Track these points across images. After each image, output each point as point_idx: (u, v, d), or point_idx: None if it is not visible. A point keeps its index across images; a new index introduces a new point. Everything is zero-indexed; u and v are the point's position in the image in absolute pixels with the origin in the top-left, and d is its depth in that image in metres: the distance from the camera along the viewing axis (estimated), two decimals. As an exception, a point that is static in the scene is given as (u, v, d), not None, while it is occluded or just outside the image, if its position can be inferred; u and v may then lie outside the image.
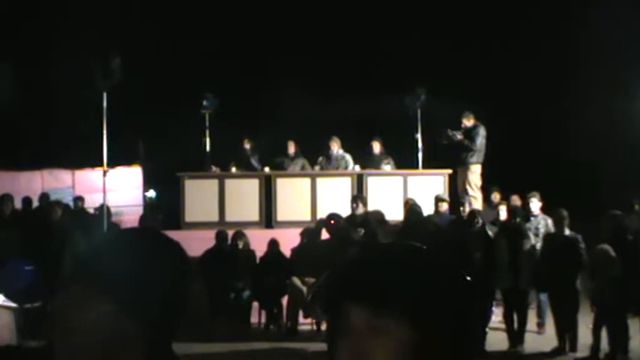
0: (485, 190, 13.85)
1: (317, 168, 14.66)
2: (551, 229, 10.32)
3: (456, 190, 13.82)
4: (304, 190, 13.93)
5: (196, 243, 10.54)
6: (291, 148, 14.71)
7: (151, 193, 20.59)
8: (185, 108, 15.89)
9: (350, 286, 1.17)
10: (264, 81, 17.90)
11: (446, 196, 12.58)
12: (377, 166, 14.42)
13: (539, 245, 10.10)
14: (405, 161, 14.75)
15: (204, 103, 14.88)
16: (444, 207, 12.00)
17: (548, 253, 9.66)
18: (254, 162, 14.69)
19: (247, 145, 14.79)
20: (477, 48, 17.66)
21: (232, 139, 15.14)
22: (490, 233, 10.31)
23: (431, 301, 1.15)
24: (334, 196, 13.62)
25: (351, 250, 9.21)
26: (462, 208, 11.44)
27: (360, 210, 11.36)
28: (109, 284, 1.36)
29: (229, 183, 14.09)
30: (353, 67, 18.13)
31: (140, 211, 17.33)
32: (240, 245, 11.38)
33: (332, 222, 10.68)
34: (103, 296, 1.36)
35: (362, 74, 18.06)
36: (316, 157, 14.79)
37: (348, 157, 14.58)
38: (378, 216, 11.02)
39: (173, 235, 1.47)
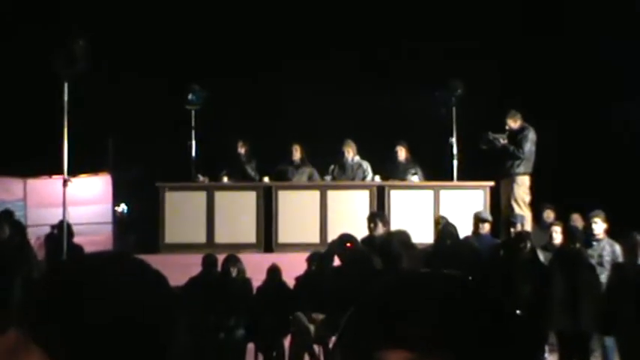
0: (535, 208, 13.78)
1: (328, 178, 14.59)
2: (619, 257, 10.30)
3: (499, 207, 13.77)
4: (312, 206, 13.92)
5: (178, 270, 10.39)
6: (297, 154, 14.64)
7: (123, 208, 20.59)
8: (165, 102, 15.79)
9: (387, 326, 1.20)
10: (263, 71, 17.72)
11: (487, 215, 12.53)
12: (402, 176, 14.37)
13: (603, 277, 10.01)
14: (436, 171, 14.72)
15: (190, 96, 14.78)
16: (486, 228, 11.95)
17: (616, 287, 9.52)
18: (250, 170, 14.59)
19: (242, 150, 14.71)
20: (527, 31, 17.57)
21: (224, 142, 15.07)
22: (542, 261, 10.31)
23: (477, 344, 1.19)
24: (349, 212, 13.59)
25: (370, 280, 9.01)
26: (512, 230, 11.42)
27: (381, 230, 11.37)
28: (50, 333, 1.27)
29: (220, 196, 14.09)
30: (372, 55, 18.02)
31: (109, 229, 17.34)
32: (234, 273, 11.34)
33: (347, 245, 10.66)
34: (45, 346, 1.27)
35: (383, 64, 17.91)
36: (327, 165, 14.72)
37: (366, 165, 14.52)
38: (403, 238, 10.91)
39: (149, 260, 1.44)
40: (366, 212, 12.87)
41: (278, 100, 17.38)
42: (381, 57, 18.00)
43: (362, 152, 14.68)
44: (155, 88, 16.46)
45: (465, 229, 11.90)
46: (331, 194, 14.06)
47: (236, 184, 14.46)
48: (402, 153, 14.55)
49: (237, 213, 13.92)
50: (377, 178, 14.38)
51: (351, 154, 14.50)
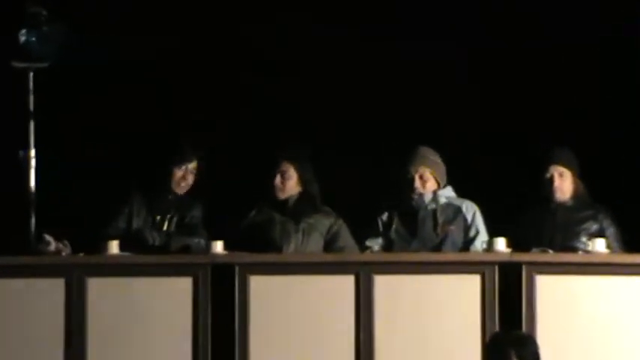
0: None
1: (375, 247, 14.05)
2: None
3: None
4: (337, 311, 13.27)
5: None
6: (289, 182, 14.43)
7: None
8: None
9: None
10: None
11: None
12: (563, 238, 13.86)
13: None
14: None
15: (23, 37, 14.71)
16: None
17: None
18: (176, 226, 14.56)
19: (189, 176, 14.63)
20: None
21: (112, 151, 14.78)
22: None
23: None
24: (431, 328, 13.05)
25: None
26: None
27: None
28: None
29: (103, 288, 13.65)
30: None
31: None
32: None
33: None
34: None
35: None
36: (373, 213, 14.26)
37: (472, 209, 14.04)
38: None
39: None
40: (473, 329, 12.74)
41: (249, 58, 17.21)
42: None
43: (458, 181, 14.17)
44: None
45: None
46: (384, 282, 13.08)
47: (144, 258, 13.88)
48: (564, 183, 14.03)
49: (147, 329, 13.39)
50: (501, 242, 13.28)
51: (431, 182, 13.97)
